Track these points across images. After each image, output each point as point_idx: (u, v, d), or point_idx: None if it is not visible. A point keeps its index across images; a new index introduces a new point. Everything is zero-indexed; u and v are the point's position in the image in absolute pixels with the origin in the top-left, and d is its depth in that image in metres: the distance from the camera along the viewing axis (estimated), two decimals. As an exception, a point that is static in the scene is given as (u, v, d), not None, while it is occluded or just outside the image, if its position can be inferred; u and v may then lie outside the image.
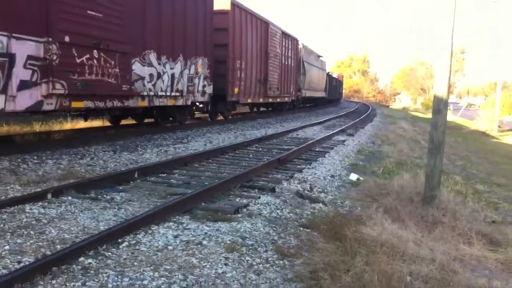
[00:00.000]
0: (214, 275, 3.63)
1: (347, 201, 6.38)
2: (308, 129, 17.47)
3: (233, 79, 18.32)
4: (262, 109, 27.06)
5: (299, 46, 29.09)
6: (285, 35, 25.41)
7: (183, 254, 4.06)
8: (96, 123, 14.72)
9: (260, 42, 21.25)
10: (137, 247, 4.19)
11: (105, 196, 6.03)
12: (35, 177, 6.94)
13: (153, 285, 3.43)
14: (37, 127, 13.15)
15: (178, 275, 3.60)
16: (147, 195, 6.21)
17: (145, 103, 12.10)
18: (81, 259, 3.82)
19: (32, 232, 4.46)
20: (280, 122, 20.40)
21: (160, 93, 12.70)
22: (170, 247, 4.22)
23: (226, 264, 3.86)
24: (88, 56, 9.56)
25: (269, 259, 4.05)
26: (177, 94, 13.73)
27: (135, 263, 3.82)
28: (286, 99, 26.99)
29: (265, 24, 21.97)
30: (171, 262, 3.87)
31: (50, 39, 8.52)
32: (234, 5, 17.83)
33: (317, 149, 11.40)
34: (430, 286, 3.72)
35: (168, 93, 13.18)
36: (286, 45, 25.96)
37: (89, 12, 9.52)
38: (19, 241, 4.20)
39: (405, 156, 12.00)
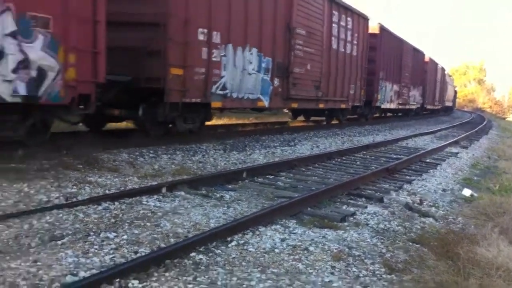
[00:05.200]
0: (320, 283, 3.63)
1: (460, 218, 6.11)
2: (418, 138, 16.90)
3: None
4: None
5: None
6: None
7: (290, 258, 4.10)
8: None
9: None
10: (245, 247, 4.28)
11: (215, 194, 6.22)
12: (151, 171, 7.32)
13: (260, 287, 3.49)
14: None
15: (284, 279, 3.64)
16: (255, 195, 6.33)
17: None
18: (193, 254, 3.97)
19: (148, 224, 4.71)
20: (389, 130, 19.91)
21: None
22: (277, 250, 4.27)
23: (332, 273, 3.84)
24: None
25: (376, 272, 3.97)
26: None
27: (243, 263, 3.91)
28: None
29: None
30: (278, 265, 3.92)
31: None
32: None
33: (428, 160, 11.00)
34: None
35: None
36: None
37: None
38: (136, 231, 4.46)
39: (524, 174, 11.25)
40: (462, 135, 18.88)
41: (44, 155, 7.28)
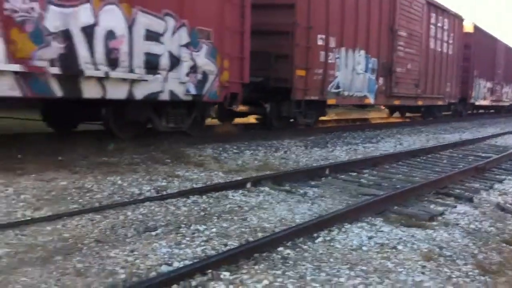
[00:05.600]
0: (411, 283, 3.57)
1: (556, 220, 5.79)
2: (508, 136, 16.14)
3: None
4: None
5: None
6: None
7: (378, 256, 4.05)
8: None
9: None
10: (332, 244, 4.28)
11: (298, 190, 6.25)
12: (235, 166, 7.47)
13: (350, 284, 3.48)
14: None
15: (374, 277, 3.61)
16: (338, 192, 6.30)
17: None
18: (280, 249, 4.02)
19: (235, 218, 4.81)
20: (476, 127, 19.13)
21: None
22: (364, 248, 4.24)
23: (423, 273, 3.76)
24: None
25: (469, 273, 3.85)
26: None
27: (331, 259, 3.91)
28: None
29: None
30: (366, 263, 3.89)
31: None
32: None
33: (520, 160, 10.48)
34: None
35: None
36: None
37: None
38: (224, 225, 4.57)
39: None
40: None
41: (134, 149, 7.60)
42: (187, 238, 4.12)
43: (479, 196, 6.59)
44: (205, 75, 8.79)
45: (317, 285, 3.42)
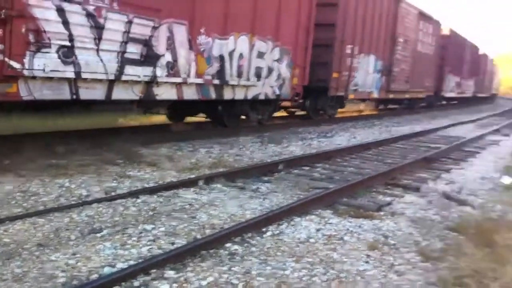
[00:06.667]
0: (354, 272, 3.64)
1: (499, 206, 5.97)
2: (459, 127, 16.59)
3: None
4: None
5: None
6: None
7: (325, 248, 4.12)
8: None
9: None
10: (280, 238, 4.33)
11: (251, 186, 6.27)
12: (189, 164, 7.43)
13: (295, 276, 3.53)
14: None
15: (319, 268, 3.67)
16: (290, 187, 6.36)
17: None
18: (228, 245, 4.04)
19: (185, 216, 4.80)
20: (429, 119, 19.58)
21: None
22: (312, 240, 4.30)
23: (367, 262, 3.85)
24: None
25: (411, 260, 3.95)
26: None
27: (278, 253, 3.96)
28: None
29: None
30: (313, 255, 3.95)
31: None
32: None
33: (468, 149, 10.79)
34: None
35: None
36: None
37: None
38: (173, 223, 4.55)
39: None
40: (504, 123, 18.42)
41: (85, 151, 7.48)
42: (134, 239, 4.09)
43: (426, 185, 6.75)
44: (284, 80, 11.93)
45: (262, 279, 3.46)
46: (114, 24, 7.27)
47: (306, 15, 12.43)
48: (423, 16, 21.76)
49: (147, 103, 9.26)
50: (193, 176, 6.51)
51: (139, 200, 5.21)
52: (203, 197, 5.55)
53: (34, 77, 6.30)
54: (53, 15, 6.37)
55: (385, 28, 17.58)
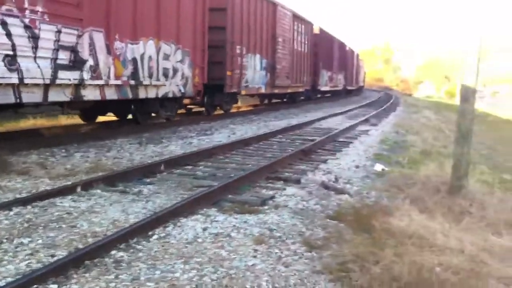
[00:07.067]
0: (244, 268, 3.67)
1: (373, 192, 6.36)
2: (331, 119, 17.41)
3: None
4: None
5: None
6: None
7: (213, 246, 4.11)
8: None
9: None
10: (167, 240, 4.25)
11: (133, 189, 6.10)
12: (64, 171, 7.06)
13: (185, 278, 3.48)
14: (63, 120, 13.34)
15: (208, 267, 3.65)
16: (173, 187, 6.27)
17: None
18: (113, 252, 3.90)
19: (63, 226, 4.55)
20: (304, 113, 20.35)
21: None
22: (199, 240, 4.28)
23: (255, 257, 3.90)
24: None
25: (297, 251, 4.07)
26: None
27: (166, 256, 3.88)
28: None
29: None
30: (201, 254, 3.92)
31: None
32: None
33: (341, 140, 11.36)
34: (460, 277, 3.71)
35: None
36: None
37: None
38: (51, 234, 4.30)
39: (430, 146, 11.87)
40: (372, 114, 19.66)
41: None
42: (10, 254, 3.80)
43: (306, 177, 7.01)
44: (187, 79, 13.16)
45: (151, 284, 3.37)
46: (47, 34, 8.18)
47: (201, 19, 13.81)
48: (296, 18, 23.96)
49: (76, 104, 10.05)
50: (69, 183, 6.18)
51: (11, 213, 4.86)
52: (82, 204, 5.30)
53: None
54: (-1, 28, 7.22)
55: (267, 29, 19.65)
